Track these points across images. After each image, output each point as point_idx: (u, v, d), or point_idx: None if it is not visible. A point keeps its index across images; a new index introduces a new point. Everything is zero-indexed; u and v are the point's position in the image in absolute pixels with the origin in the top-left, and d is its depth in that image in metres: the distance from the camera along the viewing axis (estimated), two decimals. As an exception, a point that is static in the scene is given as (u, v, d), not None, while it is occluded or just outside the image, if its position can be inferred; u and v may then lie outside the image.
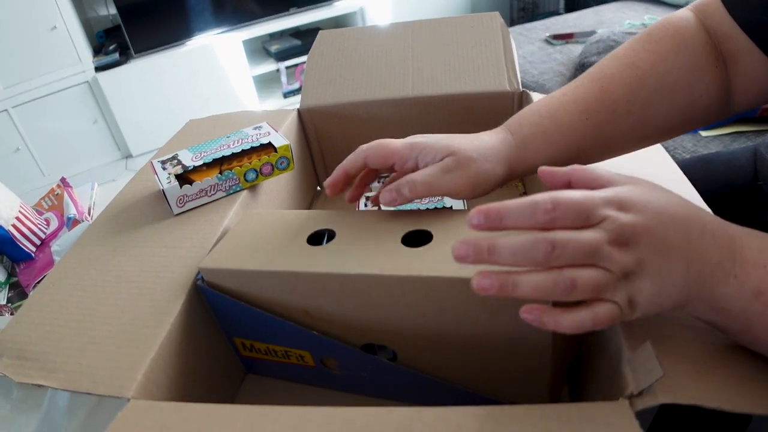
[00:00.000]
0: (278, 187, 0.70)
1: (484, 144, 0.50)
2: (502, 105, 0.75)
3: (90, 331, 0.44)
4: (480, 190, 0.49)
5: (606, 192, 0.36)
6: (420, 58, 0.81)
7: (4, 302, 0.76)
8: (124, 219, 0.58)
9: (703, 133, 1.35)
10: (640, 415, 0.32)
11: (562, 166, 0.39)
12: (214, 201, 0.59)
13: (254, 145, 0.62)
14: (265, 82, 2.95)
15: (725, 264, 0.35)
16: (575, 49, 1.71)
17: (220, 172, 0.59)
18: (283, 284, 0.45)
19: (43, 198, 1.08)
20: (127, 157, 2.72)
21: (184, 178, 0.58)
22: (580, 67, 1.55)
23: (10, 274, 0.85)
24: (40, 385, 0.40)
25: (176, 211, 0.57)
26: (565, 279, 0.32)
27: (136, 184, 0.65)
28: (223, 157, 0.61)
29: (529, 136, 0.51)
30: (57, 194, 1.07)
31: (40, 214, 1.02)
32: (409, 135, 0.51)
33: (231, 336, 0.53)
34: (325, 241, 0.48)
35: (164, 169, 0.60)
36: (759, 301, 0.34)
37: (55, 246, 0.87)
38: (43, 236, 0.94)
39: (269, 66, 2.82)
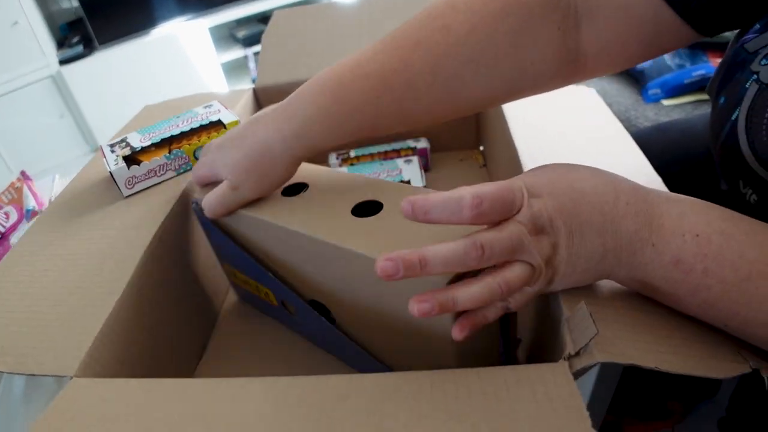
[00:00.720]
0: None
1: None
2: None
3: (38, 314, 0.44)
4: (274, 188, 0.49)
5: (518, 180, 0.36)
6: (378, 34, 0.80)
7: None
8: (77, 204, 0.58)
9: (665, 102, 1.36)
10: (579, 374, 0.33)
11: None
12: (164, 181, 0.60)
13: (203, 123, 0.62)
14: (234, 69, 2.92)
15: (641, 232, 0.35)
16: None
17: (169, 152, 0.59)
18: (247, 225, 0.49)
19: (2, 192, 1.06)
20: (95, 151, 2.68)
21: (133, 159, 0.58)
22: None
23: None
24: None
25: (126, 192, 0.58)
26: (500, 284, 0.33)
27: (89, 170, 0.65)
28: (172, 136, 0.61)
29: (310, 120, 0.45)
30: (17, 187, 1.06)
31: (0, 208, 1.00)
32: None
33: (221, 262, 0.60)
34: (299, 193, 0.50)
35: (113, 151, 0.60)
36: (679, 269, 0.34)
37: (14, 239, 0.86)
38: (2, 230, 0.93)
39: (237, 52, 2.79)
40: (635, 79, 1.42)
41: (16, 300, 0.46)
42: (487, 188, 0.33)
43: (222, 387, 0.35)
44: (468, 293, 0.33)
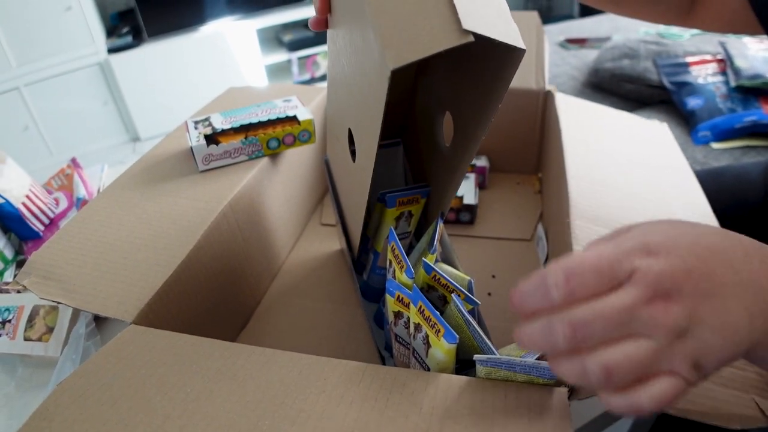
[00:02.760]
0: (299, 159, 0.72)
1: None
2: (527, 103, 0.78)
3: (108, 262, 0.48)
4: None
5: (626, 240, 0.30)
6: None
7: (11, 279, 0.77)
8: (155, 170, 0.62)
9: (714, 146, 1.36)
10: (574, 398, 0.34)
11: None
12: (237, 163, 0.62)
13: (280, 116, 0.64)
14: (276, 72, 2.97)
15: None
16: (590, 54, 1.73)
17: (245, 138, 0.61)
18: None
19: (53, 177, 1.08)
20: (135, 140, 2.73)
21: (213, 138, 0.60)
22: (594, 72, 1.56)
23: (17, 252, 0.86)
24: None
25: (201, 167, 0.60)
26: (593, 369, 0.27)
27: (170, 140, 0.68)
28: (251, 124, 0.63)
29: None
30: (67, 174, 1.07)
31: (50, 193, 1.02)
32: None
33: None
34: None
35: (196, 128, 0.63)
36: None
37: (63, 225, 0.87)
38: (52, 215, 0.95)
39: (281, 56, 2.84)
40: (686, 119, 1.42)
41: (90, 246, 0.50)
42: (578, 259, 0.28)
43: (255, 353, 0.38)
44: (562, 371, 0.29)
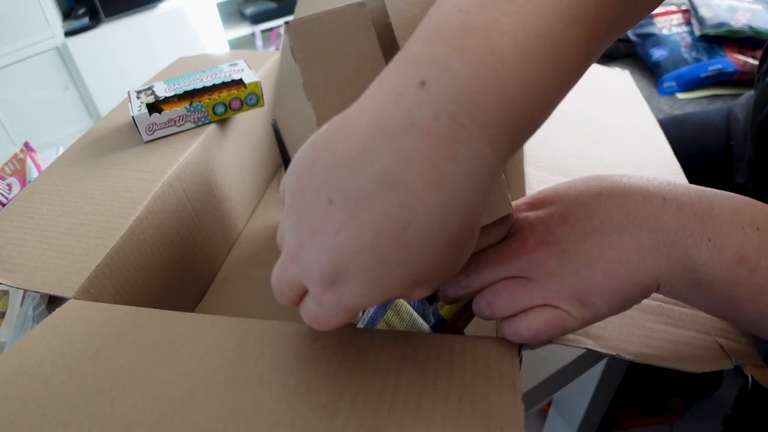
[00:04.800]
0: (251, 126, 0.70)
1: None
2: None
3: (50, 239, 0.47)
4: None
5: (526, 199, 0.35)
6: None
7: None
8: (99, 144, 0.60)
9: (680, 96, 1.36)
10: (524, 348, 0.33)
11: None
12: (182, 132, 0.59)
13: (226, 80, 0.61)
14: (240, 47, 2.91)
15: (691, 226, 0.30)
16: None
17: (190, 104, 0.59)
18: None
19: (5, 163, 1.05)
20: (99, 125, 2.66)
21: (155, 107, 0.58)
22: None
23: None
24: None
25: (145, 138, 0.58)
26: (479, 302, 0.33)
27: (115, 114, 0.66)
28: (195, 90, 0.60)
29: None
30: (20, 159, 1.04)
31: (3, 179, 0.99)
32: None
33: None
34: None
35: (138, 98, 0.60)
36: (743, 267, 0.29)
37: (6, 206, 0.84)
38: (5, 201, 0.92)
39: (244, 29, 2.78)
40: (650, 71, 1.42)
41: (32, 224, 0.49)
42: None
43: (194, 320, 0.37)
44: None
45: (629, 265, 0.30)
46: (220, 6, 2.66)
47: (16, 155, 1.05)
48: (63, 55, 2.46)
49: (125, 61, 2.53)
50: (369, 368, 0.31)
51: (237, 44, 2.86)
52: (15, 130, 2.49)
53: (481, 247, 0.33)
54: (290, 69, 0.37)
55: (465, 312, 0.37)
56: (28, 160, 1.04)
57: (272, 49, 2.85)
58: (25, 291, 0.56)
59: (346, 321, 0.28)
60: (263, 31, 2.80)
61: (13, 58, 2.37)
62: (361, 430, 0.28)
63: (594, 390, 0.72)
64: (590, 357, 0.51)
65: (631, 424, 1.33)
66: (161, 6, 2.55)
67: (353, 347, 0.33)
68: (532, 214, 0.33)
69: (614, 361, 0.65)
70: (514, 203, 0.35)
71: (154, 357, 0.33)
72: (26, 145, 1.07)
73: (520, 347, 0.32)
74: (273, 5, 2.79)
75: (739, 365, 0.32)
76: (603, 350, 0.32)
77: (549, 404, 0.92)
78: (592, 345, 0.33)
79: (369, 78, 0.26)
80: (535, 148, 0.53)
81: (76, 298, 0.40)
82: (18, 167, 1.04)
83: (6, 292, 0.59)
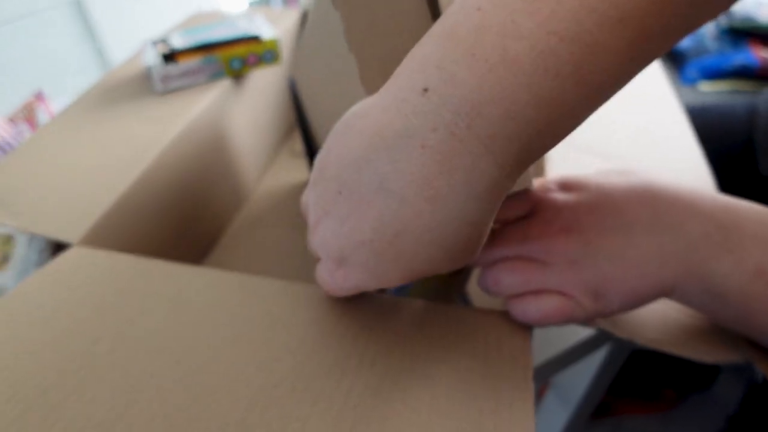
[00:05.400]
0: (267, 84, 0.68)
1: None
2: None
3: (57, 184, 0.46)
4: None
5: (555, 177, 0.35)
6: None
7: None
8: (112, 93, 0.58)
9: (702, 87, 1.33)
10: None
11: None
12: (197, 85, 0.58)
13: (243, 35, 0.60)
14: (260, 5, 2.86)
15: (714, 236, 0.29)
16: None
17: (205, 57, 0.57)
18: None
19: (18, 111, 1.05)
20: (111, 79, 2.64)
21: (171, 57, 0.56)
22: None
23: None
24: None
25: (160, 88, 0.57)
26: (487, 278, 0.33)
27: (129, 64, 0.65)
28: (211, 43, 0.59)
29: None
30: (31, 107, 1.04)
31: (14, 125, 0.98)
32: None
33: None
34: None
35: (153, 48, 0.59)
36: (762, 281, 0.28)
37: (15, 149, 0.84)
38: (16, 144, 0.92)
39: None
40: (674, 59, 1.39)
41: (41, 169, 0.48)
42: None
43: (198, 274, 0.36)
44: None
45: (648, 267, 0.30)
46: (240, -36, 2.61)
47: (28, 103, 1.05)
48: (80, 9, 2.43)
49: (141, 15, 2.50)
50: (377, 333, 0.30)
51: (257, 2, 2.81)
52: (29, 80, 2.47)
53: (500, 219, 0.32)
54: (323, 22, 0.35)
55: (455, 279, 0.37)
56: (40, 108, 1.04)
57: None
58: (31, 236, 0.56)
59: (355, 293, 0.29)
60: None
61: (30, 8, 2.33)
62: (365, 395, 0.27)
63: (594, 375, 0.71)
64: (594, 341, 0.50)
65: (624, 410, 1.33)
66: (182, -39, 2.51)
67: (361, 311, 0.32)
68: (561, 196, 0.33)
69: (617, 347, 0.64)
70: (543, 180, 0.34)
71: (157, 308, 0.33)
72: (38, 93, 1.06)
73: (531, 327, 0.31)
74: (293, -32, 2.74)
75: (749, 360, 0.31)
76: (617, 332, 0.31)
77: (545, 386, 0.92)
78: (606, 326, 0.32)
79: (411, 28, 0.25)
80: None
81: (80, 245, 0.40)
82: (30, 114, 1.03)
83: (11, 237, 0.58)
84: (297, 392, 0.27)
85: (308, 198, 0.29)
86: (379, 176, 0.23)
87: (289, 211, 0.63)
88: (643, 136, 0.54)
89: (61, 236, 0.40)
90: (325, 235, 0.27)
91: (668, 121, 0.58)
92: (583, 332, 0.49)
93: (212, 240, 0.59)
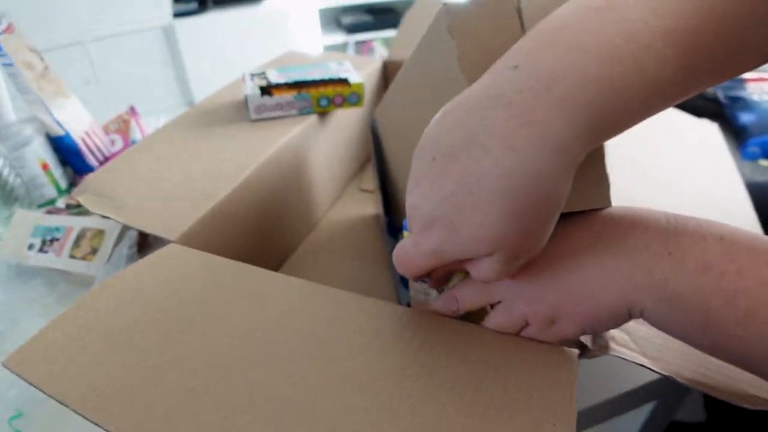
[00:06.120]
0: (346, 123, 0.74)
1: None
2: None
3: (158, 189, 0.52)
4: None
5: None
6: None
7: (64, 207, 0.82)
8: (209, 116, 0.65)
9: (763, 163, 1.33)
10: (584, 357, 0.34)
11: None
12: (287, 117, 0.64)
13: (333, 77, 0.66)
14: (334, 53, 2.98)
15: (653, 245, 0.30)
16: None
17: (298, 93, 0.63)
18: None
19: (111, 122, 1.13)
20: (189, 105, 2.78)
21: (267, 90, 0.63)
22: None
23: (71, 184, 0.90)
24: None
25: (254, 116, 0.63)
26: (448, 297, 0.37)
27: (226, 91, 0.72)
28: (304, 81, 0.65)
29: None
30: (125, 120, 1.13)
31: (107, 134, 1.07)
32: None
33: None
34: None
35: (252, 80, 0.66)
36: (708, 274, 0.28)
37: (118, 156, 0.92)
38: (107, 154, 0.99)
39: (339, 38, 2.87)
40: (736, 134, 1.39)
41: (142, 174, 0.54)
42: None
43: (279, 279, 0.40)
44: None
45: (593, 288, 0.31)
46: (320, 12, 2.76)
47: (121, 116, 1.14)
48: (168, 35, 2.60)
49: (223, 49, 2.66)
50: (437, 347, 0.34)
51: (330, 51, 2.95)
52: (111, 97, 2.64)
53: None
54: (429, 59, 0.40)
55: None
56: (132, 122, 1.12)
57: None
58: (124, 231, 0.62)
59: (432, 266, 0.32)
60: (357, 42, 2.88)
61: (122, 29, 2.51)
62: (423, 398, 0.30)
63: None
64: (637, 394, 0.51)
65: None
66: (266, 3, 2.67)
67: (423, 327, 0.35)
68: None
69: (660, 408, 0.65)
70: None
71: (242, 303, 0.37)
72: (132, 108, 1.15)
73: (579, 355, 0.33)
74: (370, 18, 2.87)
75: None
76: (657, 369, 0.33)
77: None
78: (646, 363, 0.34)
79: None
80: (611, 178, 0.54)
81: (177, 242, 0.45)
82: (122, 126, 1.12)
83: (102, 232, 0.64)
84: (361, 387, 0.31)
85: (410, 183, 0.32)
86: (468, 134, 0.27)
87: (352, 241, 0.68)
88: (697, 199, 0.56)
89: (162, 233, 0.45)
90: (414, 200, 0.30)
91: (727, 186, 0.60)
92: (624, 385, 0.51)
93: (282, 259, 0.64)
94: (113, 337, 0.35)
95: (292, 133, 0.60)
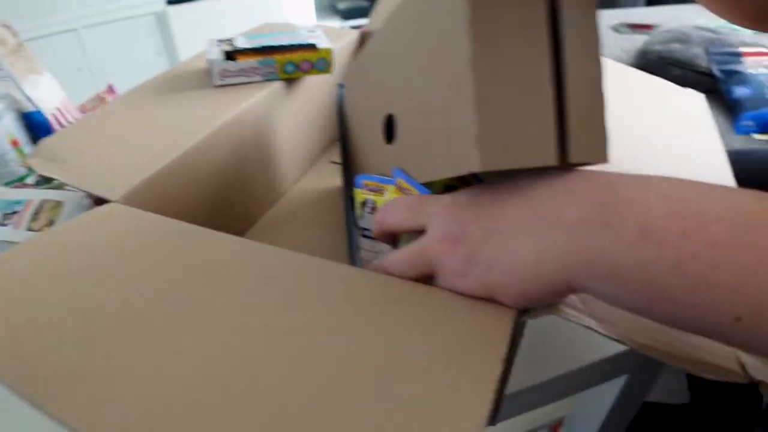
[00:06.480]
0: (317, 93, 0.72)
1: None
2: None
3: (109, 152, 0.50)
4: None
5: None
6: None
7: (34, 183, 0.80)
8: (173, 82, 0.63)
9: (756, 137, 1.30)
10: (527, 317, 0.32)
11: None
12: (251, 83, 0.62)
13: (300, 42, 0.64)
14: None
15: (590, 217, 0.27)
16: (642, 39, 1.66)
17: (262, 58, 0.61)
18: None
19: (89, 100, 1.12)
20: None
21: (231, 55, 0.61)
22: (642, 54, 1.50)
23: None
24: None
25: (217, 82, 0.61)
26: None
27: (194, 59, 0.70)
28: (270, 46, 0.63)
29: None
30: (102, 98, 1.11)
31: (84, 113, 1.06)
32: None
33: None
34: None
35: (218, 46, 0.64)
36: (649, 242, 0.25)
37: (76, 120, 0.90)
38: None
39: (334, 23, 2.84)
40: (730, 108, 1.36)
41: (96, 138, 0.52)
42: (398, 198, 0.37)
43: (217, 238, 0.38)
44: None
45: (528, 267, 0.29)
46: (316, -2, 2.73)
47: (99, 95, 1.12)
48: (161, 21, 2.57)
49: (218, 35, 2.62)
50: (368, 305, 0.32)
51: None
52: (104, 84, 2.61)
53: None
54: (413, 15, 0.37)
55: None
56: (109, 100, 1.11)
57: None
58: (79, 202, 0.60)
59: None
60: (352, 27, 2.85)
61: (115, 16, 2.49)
62: (329, 354, 0.28)
63: (606, 414, 0.69)
64: (605, 367, 0.49)
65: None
66: (261, -11, 2.65)
67: (365, 285, 0.33)
68: (447, 198, 0.34)
69: (631, 384, 0.63)
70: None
71: (169, 262, 0.35)
72: (110, 86, 1.14)
73: (521, 315, 0.31)
74: (366, 3, 2.83)
75: (755, 381, 0.30)
76: (605, 332, 0.30)
77: (558, 425, 0.89)
78: (594, 325, 0.31)
79: (531, 29, 0.29)
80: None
81: (119, 202, 0.43)
82: (99, 105, 1.11)
83: (60, 203, 0.63)
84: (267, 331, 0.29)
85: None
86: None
87: (315, 212, 0.65)
88: (675, 166, 0.54)
89: (102, 192, 0.44)
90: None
91: (708, 154, 0.57)
92: (599, 353, 0.48)
93: (240, 230, 0.62)
94: (26, 292, 0.33)
95: (253, 98, 0.58)
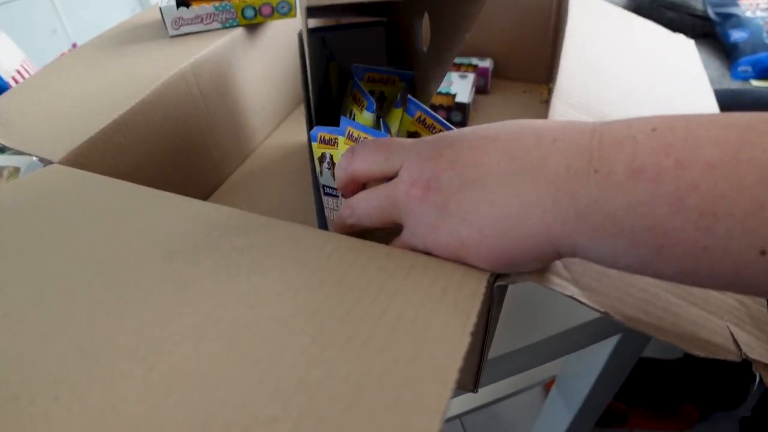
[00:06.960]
0: (285, 40, 0.67)
1: None
2: (539, 3, 0.72)
3: (54, 111, 0.46)
4: None
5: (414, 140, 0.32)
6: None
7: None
8: (127, 34, 0.59)
9: (754, 83, 1.26)
10: (502, 285, 0.28)
11: None
12: (209, 30, 0.58)
13: (261, -15, 0.59)
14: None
15: (576, 164, 0.24)
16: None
17: (219, 2, 0.57)
18: None
19: (52, 61, 1.07)
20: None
21: (184, 2, 0.57)
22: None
23: None
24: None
25: (171, 32, 0.57)
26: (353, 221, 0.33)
27: (152, 9, 0.65)
28: (229, -8, 0.58)
29: None
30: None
31: None
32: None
33: None
34: None
35: None
36: (642, 180, 0.22)
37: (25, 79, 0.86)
38: None
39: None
40: (727, 53, 1.32)
41: (43, 97, 0.49)
42: (366, 141, 0.32)
43: (173, 201, 0.34)
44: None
45: (507, 223, 0.25)
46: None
47: (63, 54, 1.08)
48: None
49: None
50: (321, 269, 0.28)
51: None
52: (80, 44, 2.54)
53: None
54: None
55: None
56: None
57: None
58: (35, 166, 0.57)
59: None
60: None
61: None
62: (276, 324, 0.25)
63: (599, 373, 0.68)
64: (598, 328, 0.47)
65: (637, 423, 1.28)
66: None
67: (329, 245, 0.30)
68: (422, 142, 0.30)
69: (625, 343, 0.61)
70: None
71: (108, 224, 0.32)
72: (74, 46, 1.09)
73: (495, 279, 0.28)
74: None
75: (749, 360, 0.27)
76: (590, 304, 0.27)
77: (550, 383, 0.88)
78: (578, 294, 0.27)
79: None
80: (570, 83, 0.49)
81: (61, 163, 0.40)
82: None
83: (17, 169, 0.59)
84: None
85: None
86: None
87: (292, 169, 0.62)
88: (653, 108, 0.51)
89: (45, 154, 0.40)
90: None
91: (694, 98, 0.54)
92: (593, 312, 0.46)
93: (210, 187, 0.59)
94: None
95: (210, 47, 0.54)
